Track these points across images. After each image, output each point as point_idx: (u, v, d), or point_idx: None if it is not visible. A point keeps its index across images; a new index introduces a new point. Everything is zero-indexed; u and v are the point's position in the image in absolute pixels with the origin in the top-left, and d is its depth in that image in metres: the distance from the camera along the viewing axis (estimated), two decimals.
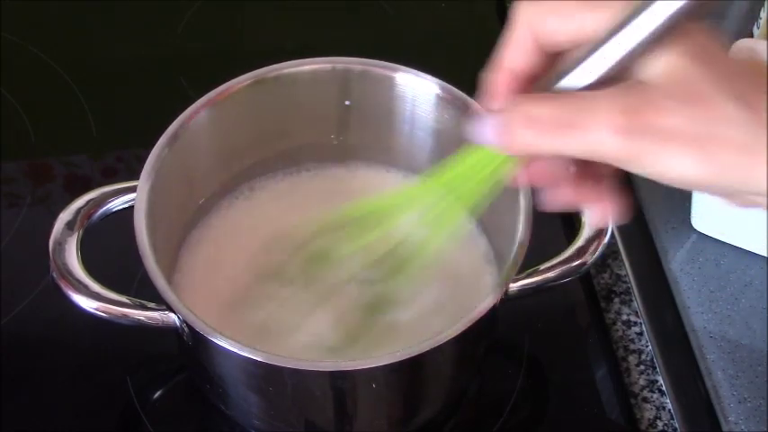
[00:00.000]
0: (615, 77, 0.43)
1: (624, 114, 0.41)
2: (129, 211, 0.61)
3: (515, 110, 0.44)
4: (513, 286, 0.61)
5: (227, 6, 0.94)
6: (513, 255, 0.59)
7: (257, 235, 0.68)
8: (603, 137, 0.41)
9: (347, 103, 0.70)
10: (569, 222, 0.78)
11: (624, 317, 0.74)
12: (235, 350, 0.55)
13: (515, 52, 0.46)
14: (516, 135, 0.44)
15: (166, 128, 0.64)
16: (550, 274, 0.62)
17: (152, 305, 0.59)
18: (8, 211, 0.78)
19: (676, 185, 0.42)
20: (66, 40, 0.91)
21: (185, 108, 0.65)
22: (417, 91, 0.68)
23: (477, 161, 0.51)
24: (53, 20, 0.93)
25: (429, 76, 0.67)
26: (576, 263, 0.62)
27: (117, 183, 0.63)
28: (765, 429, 0.64)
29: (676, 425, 0.68)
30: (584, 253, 0.62)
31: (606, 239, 0.63)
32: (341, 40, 0.91)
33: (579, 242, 0.62)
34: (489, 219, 0.69)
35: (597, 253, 0.62)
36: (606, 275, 0.76)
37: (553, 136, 0.43)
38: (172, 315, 0.58)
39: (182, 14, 0.93)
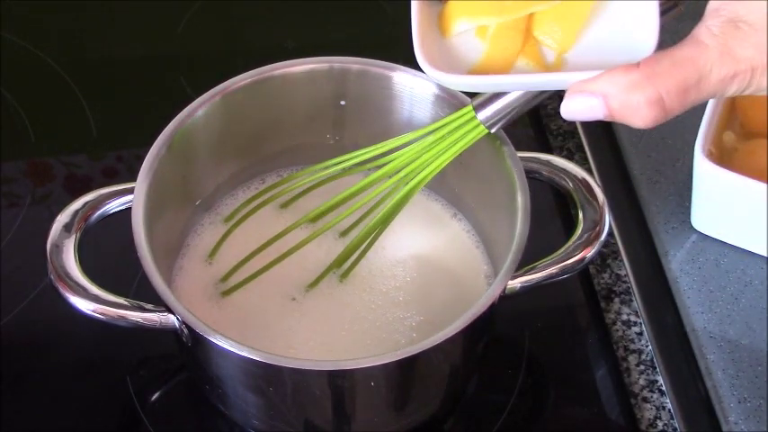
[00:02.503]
0: None
1: None
2: (126, 212, 0.61)
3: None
4: (512, 283, 0.61)
5: (227, 6, 0.94)
6: (511, 252, 0.59)
7: (256, 235, 0.68)
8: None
9: (343, 102, 0.69)
10: (567, 219, 0.78)
11: (624, 317, 0.73)
12: (234, 350, 0.55)
13: None
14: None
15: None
16: (549, 271, 0.62)
17: (150, 307, 0.59)
18: (8, 211, 0.78)
19: None
20: (66, 40, 0.91)
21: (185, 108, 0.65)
22: (415, 90, 0.68)
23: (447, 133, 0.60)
24: (53, 20, 0.93)
25: (426, 76, 0.67)
26: (575, 259, 0.62)
27: (115, 184, 0.63)
28: (765, 429, 0.64)
29: (676, 425, 0.68)
30: (583, 249, 0.62)
31: (604, 235, 0.62)
32: (340, 40, 0.91)
33: (577, 238, 0.62)
34: (487, 216, 0.69)
35: (595, 248, 0.62)
36: (606, 275, 0.76)
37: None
38: (171, 316, 0.58)
39: (182, 14, 0.93)
